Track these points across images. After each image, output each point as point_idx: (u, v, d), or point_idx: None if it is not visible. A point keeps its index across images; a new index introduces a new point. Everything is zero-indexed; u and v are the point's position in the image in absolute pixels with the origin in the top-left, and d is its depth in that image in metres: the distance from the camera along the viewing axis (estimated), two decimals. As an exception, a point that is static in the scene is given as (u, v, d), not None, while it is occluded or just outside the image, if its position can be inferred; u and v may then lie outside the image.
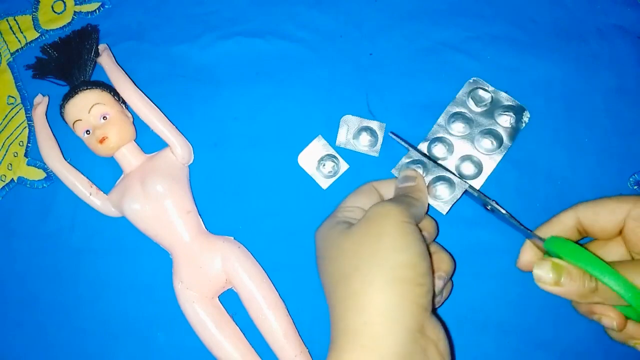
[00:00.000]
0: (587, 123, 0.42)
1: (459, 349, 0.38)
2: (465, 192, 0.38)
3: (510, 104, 0.42)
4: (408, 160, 0.41)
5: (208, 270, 0.39)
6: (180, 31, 0.47)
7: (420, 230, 0.34)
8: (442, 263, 0.37)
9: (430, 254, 0.33)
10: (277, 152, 0.43)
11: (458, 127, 0.41)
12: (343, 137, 0.43)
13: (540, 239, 0.33)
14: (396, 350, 0.29)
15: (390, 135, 0.41)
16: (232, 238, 0.41)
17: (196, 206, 0.41)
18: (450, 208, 0.39)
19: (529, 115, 0.41)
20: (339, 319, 0.31)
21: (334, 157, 0.42)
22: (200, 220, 0.41)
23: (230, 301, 0.40)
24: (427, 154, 0.41)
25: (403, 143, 0.40)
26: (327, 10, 0.46)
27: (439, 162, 0.41)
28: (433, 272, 0.34)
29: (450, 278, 0.37)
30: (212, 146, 0.44)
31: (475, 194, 0.38)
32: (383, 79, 0.44)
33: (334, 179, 0.42)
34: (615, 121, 0.42)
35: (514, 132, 0.41)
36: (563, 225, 0.35)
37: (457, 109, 0.42)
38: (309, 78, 0.44)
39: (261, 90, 0.45)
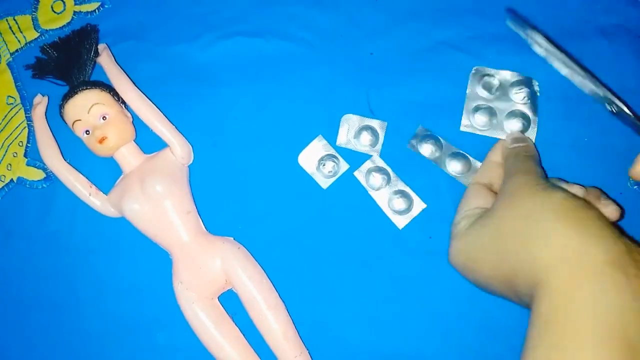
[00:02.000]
0: (587, 123, 0.42)
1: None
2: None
3: (517, 79, 0.42)
4: (372, 165, 0.41)
5: (208, 270, 0.39)
6: (180, 31, 0.47)
7: None
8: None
9: None
10: (277, 152, 0.43)
11: (481, 120, 0.41)
12: (344, 136, 0.43)
13: None
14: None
15: (510, 18, 0.41)
16: (232, 238, 0.41)
17: (196, 206, 0.41)
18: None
19: (537, 83, 0.41)
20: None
21: (334, 157, 0.42)
22: (200, 220, 0.41)
23: (230, 302, 0.40)
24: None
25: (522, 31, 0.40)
26: (327, 10, 0.45)
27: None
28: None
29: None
30: (211, 146, 0.44)
31: (600, 92, 0.37)
32: (384, 78, 0.44)
33: (334, 178, 0.42)
34: (616, 121, 0.42)
35: (534, 104, 0.41)
36: None
37: (475, 103, 0.42)
38: (309, 78, 0.44)
39: (261, 90, 0.45)
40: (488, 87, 0.42)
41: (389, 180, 0.41)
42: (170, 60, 0.46)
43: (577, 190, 0.35)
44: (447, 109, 0.42)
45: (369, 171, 0.42)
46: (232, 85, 0.45)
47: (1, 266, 0.44)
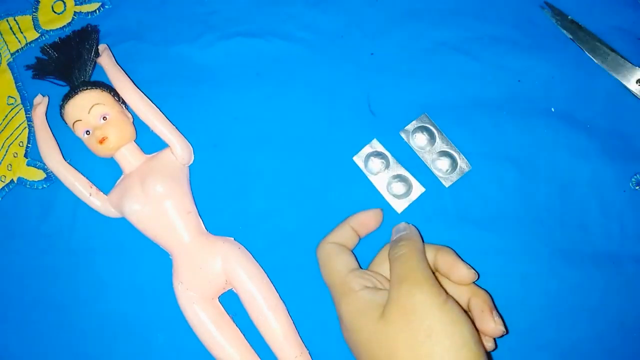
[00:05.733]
0: (587, 123, 0.42)
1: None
2: None
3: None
4: (371, 150, 0.42)
5: (208, 271, 0.39)
6: (180, 31, 0.47)
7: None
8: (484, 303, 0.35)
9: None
10: (277, 152, 0.43)
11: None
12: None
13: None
14: None
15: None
16: (232, 239, 0.41)
17: (196, 207, 0.41)
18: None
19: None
20: None
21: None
22: (200, 220, 0.41)
23: (231, 302, 0.40)
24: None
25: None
26: (327, 10, 0.46)
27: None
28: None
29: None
30: (212, 147, 0.44)
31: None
32: (384, 79, 0.44)
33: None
34: (616, 121, 0.42)
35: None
36: None
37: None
38: (309, 78, 0.44)
39: (261, 90, 0.45)
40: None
41: (388, 165, 0.42)
42: (171, 60, 0.46)
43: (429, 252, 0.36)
44: (447, 109, 0.43)
45: (368, 156, 0.42)
46: (232, 85, 0.45)
47: (1, 266, 0.44)
